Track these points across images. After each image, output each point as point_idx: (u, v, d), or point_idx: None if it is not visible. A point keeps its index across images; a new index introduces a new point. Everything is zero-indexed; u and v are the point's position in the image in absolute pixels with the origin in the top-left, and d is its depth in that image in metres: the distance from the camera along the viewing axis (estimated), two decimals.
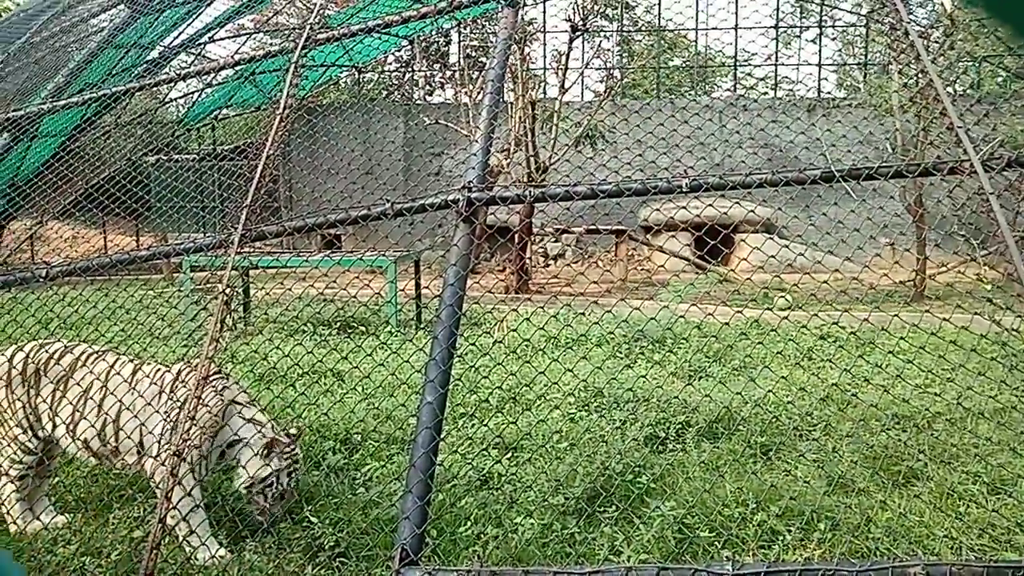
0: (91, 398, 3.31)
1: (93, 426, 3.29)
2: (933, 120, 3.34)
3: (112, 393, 3.29)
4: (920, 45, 3.62)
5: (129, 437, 3.24)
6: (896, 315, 2.90)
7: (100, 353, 3.48)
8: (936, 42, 9.69)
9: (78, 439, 3.32)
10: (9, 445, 3.40)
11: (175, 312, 4.39)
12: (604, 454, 4.04)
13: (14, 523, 3.40)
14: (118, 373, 3.36)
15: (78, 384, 3.35)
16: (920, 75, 3.58)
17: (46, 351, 3.46)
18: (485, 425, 4.49)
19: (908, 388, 4.40)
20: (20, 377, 3.40)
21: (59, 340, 3.59)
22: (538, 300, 8.54)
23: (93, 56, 5.98)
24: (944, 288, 9.54)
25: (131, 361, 3.46)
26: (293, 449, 3.30)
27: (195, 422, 2.98)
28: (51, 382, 3.39)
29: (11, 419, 3.38)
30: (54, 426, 3.37)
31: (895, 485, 3.74)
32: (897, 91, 9.69)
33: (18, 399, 3.38)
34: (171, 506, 2.78)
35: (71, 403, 3.33)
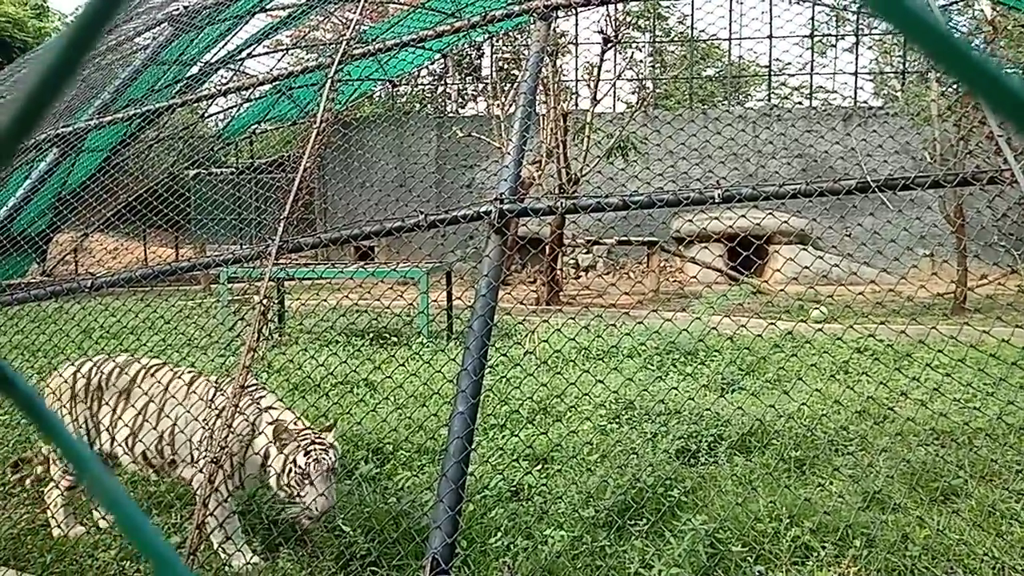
0: (149, 413, 3.36)
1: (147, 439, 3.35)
2: (972, 129, 3.28)
3: (162, 408, 3.36)
4: None
5: (175, 449, 3.31)
6: (934, 327, 2.85)
7: (157, 368, 3.54)
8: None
9: (136, 453, 3.36)
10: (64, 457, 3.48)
11: (213, 322, 4.49)
12: (635, 467, 4.02)
13: (58, 527, 3.49)
14: (166, 389, 3.42)
15: (138, 398, 3.41)
16: (959, 83, 3.52)
17: (106, 367, 3.53)
18: (516, 436, 4.50)
19: (947, 403, 4.30)
20: (83, 392, 3.48)
21: (116, 356, 3.68)
22: (569, 311, 8.53)
23: (137, 73, 6.16)
24: (985, 300, 9.30)
25: (185, 374, 3.51)
26: (307, 433, 3.09)
27: (231, 430, 3.04)
28: (111, 397, 3.46)
29: (71, 432, 3.46)
30: (112, 440, 3.44)
31: (933, 502, 3.66)
32: (935, 99, 9.53)
33: (80, 413, 3.46)
34: (208, 513, 2.83)
35: (128, 418, 3.39)
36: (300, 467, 2.99)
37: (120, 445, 3.39)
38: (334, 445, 3.13)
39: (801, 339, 6.48)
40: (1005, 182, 3.02)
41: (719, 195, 3.23)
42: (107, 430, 3.44)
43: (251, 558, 3.15)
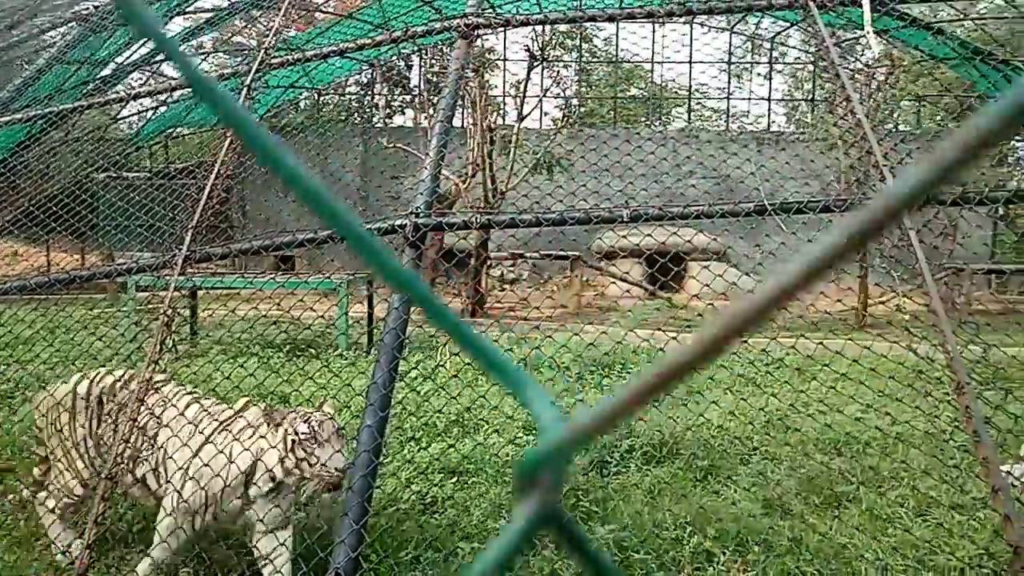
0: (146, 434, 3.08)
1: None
2: (860, 157, 3.52)
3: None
4: (849, 86, 3.81)
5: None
6: (820, 343, 3.03)
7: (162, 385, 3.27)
8: (878, 80, 10.13)
9: (138, 475, 3.07)
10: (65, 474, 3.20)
11: (115, 333, 4.31)
12: None
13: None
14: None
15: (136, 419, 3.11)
16: (850, 115, 3.77)
17: (108, 379, 3.27)
18: (425, 449, 4.50)
19: (839, 415, 4.54)
20: (84, 406, 3.21)
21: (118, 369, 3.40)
22: (483, 323, 8.58)
23: (41, 72, 5.89)
24: (880, 318, 9.87)
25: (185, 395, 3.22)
26: (300, 409, 2.97)
27: (137, 444, 2.93)
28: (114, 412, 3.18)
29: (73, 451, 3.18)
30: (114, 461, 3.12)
31: (826, 508, 3.86)
32: (838, 126, 10.10)
33: (79, 427, 3.19)
34: (98, 532, 2.73)
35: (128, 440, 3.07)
36: (304, 432, 2.81)
37: (124, 465, 3.09)
38: (332, 416, 2.96)
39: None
40: None
41: (627, 214, 3.36)
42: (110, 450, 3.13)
43: None
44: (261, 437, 2.91)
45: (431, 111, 13.35)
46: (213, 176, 3.73)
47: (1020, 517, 2.42)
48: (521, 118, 12.16)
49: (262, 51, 4.57)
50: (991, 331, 3.27)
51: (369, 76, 18.34)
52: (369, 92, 18.68)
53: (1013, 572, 2.44)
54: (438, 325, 0.42)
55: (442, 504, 3.91)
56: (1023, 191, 3.46)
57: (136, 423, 2.93)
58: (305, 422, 2.84)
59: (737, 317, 0.33)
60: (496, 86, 16.52)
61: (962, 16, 10.26)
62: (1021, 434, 3.64)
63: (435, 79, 17.70)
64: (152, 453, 3.03)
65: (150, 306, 3.63)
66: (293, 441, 2.82)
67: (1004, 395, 3.40)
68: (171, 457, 2.96)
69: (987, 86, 10.66)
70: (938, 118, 16.73)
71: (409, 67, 18.55)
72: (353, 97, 18.88)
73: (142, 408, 3.02)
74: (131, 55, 9.37)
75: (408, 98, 18.65)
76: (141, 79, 10.52)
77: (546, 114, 17.39)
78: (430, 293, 0.41)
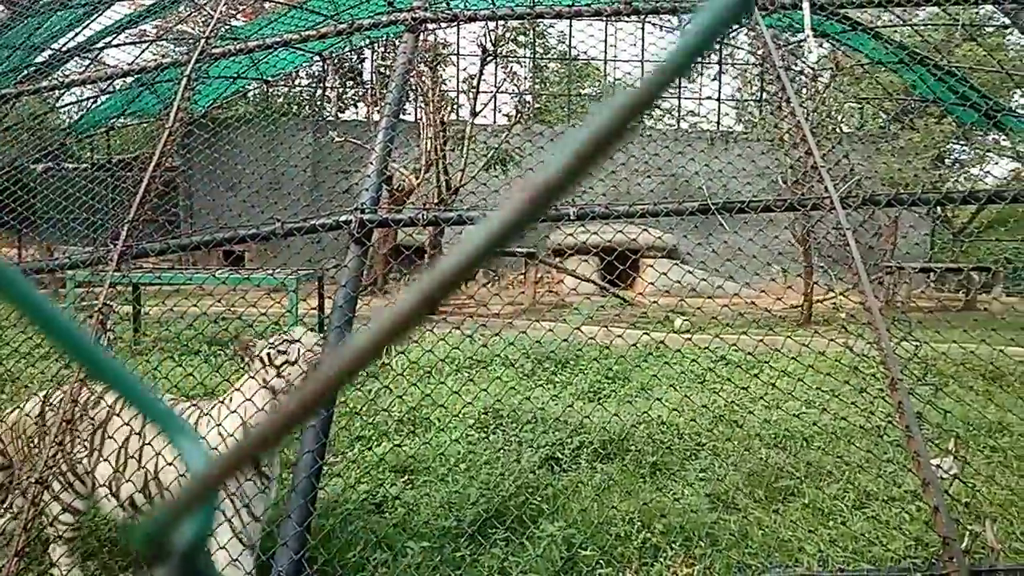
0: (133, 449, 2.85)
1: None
2: (799, 158, 3.59)
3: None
4: (790, 89, 3.89)
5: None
6: (761, 340, 3.09)
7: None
8: (824, 83, 10.39)
9: (122, 497, 2.83)
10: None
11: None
12: (499, 476, 4.08)
13: None
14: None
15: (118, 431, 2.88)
16: (790, 116, 3.85)
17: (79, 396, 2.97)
18: (371, 449, 4.44)
19: (781, 411, 4.65)
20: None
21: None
22: (430, 321, 8.53)
23: None
24: (823, 315, 10.15)
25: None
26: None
27: (65, 446, 2.82)
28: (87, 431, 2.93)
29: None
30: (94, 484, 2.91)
31: (771, 502, 3.94)
32: (778, 127, 10.33)
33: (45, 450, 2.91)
34: (27, 539, 2.62)
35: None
36: (277, 341, 2.77)
37: (103, 487, 2.85)
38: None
39: (656, 348, 6.79)
40: (826, 208, 3.33)
41: (574, 212, 3.37)
42: (86, 473, 2.89)
43: None
44: (243, 374, 2.85)
45: (383, 105, 13.20)
46: (151, 169, 3.61)
47: (949, 509, 2.51)
48: (474, 114, 12.12)
49: (203, 40, 4.44)
50: (924, 328, 3.38)
51: (321, 68, 18.03)
52: (320, 85, 18.36)
53: (942, 561, 2.53)
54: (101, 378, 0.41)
55: (391, 503, 3.87)
56: (954, 193, 3.59)
57: (70, 423, 2.82)
58: (279, 335, 2.82)
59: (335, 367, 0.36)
60: (450, 80, 16.42)
61: (902, 23, 10.60)
62: (950, 429, 3.78)
63: (387, 72, 17.50)
64: (136, 471, 2.81)
65: (83, 303, 3.48)
66: (269, 354, 2.75)
67: (935, 391, 3.52)
68: (164, 468, 2.77)
69: (924, 89, 11.05)
70: (879, 120, 17.27)
71: (362, 60, 18.30)
72: (304, 89, 18.54)
73: (79, 411, 2.90)
74: (68, 42, 9.02)
75: (360, 92, 18.39)
76: (82, 66, 10.14)
77: (500, 111, 17.36)
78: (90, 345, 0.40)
